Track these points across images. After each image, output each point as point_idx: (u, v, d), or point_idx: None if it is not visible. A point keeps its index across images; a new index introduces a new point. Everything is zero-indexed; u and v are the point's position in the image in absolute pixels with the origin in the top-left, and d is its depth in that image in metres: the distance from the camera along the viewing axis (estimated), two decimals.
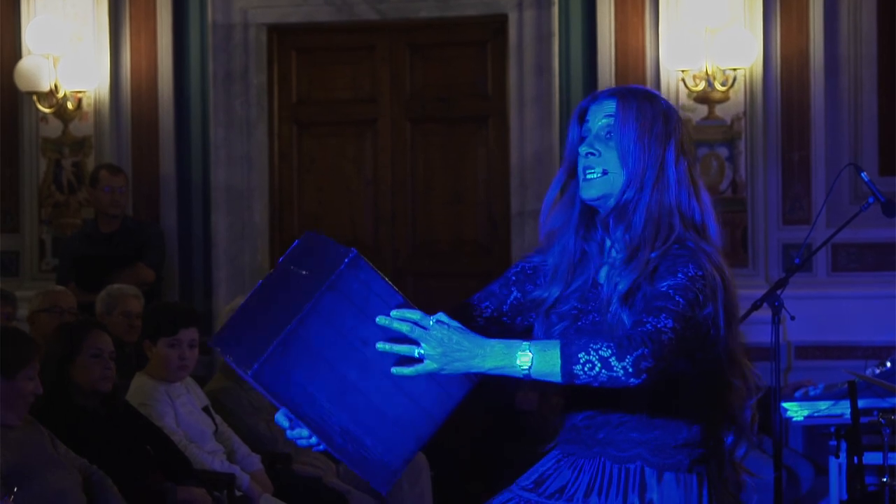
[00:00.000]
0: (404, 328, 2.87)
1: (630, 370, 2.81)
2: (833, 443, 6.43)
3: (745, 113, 7.69)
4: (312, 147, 8.49)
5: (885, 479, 5.90)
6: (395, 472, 2.93)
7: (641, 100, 3.07)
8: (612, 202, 3.06)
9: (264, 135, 8.37)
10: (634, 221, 3.03)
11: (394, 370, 2.88)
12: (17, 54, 8.28)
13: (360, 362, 2.86)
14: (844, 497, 6.32)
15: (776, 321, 5.77)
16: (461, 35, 8.30)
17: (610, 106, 3.09)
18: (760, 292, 6.15)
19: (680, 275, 2.95)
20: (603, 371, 2.81)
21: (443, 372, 2.87)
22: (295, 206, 8.49)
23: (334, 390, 2.85)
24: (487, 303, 3.23)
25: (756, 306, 5.95)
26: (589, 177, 3.08)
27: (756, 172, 7.70)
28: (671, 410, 3.05)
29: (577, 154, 3.12)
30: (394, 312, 2.89)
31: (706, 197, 3.10)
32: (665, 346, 2.84)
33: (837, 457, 6.38)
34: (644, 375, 2.82)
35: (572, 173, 3.15)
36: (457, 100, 8.29)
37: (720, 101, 7.69)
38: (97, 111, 8.29)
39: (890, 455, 5.89)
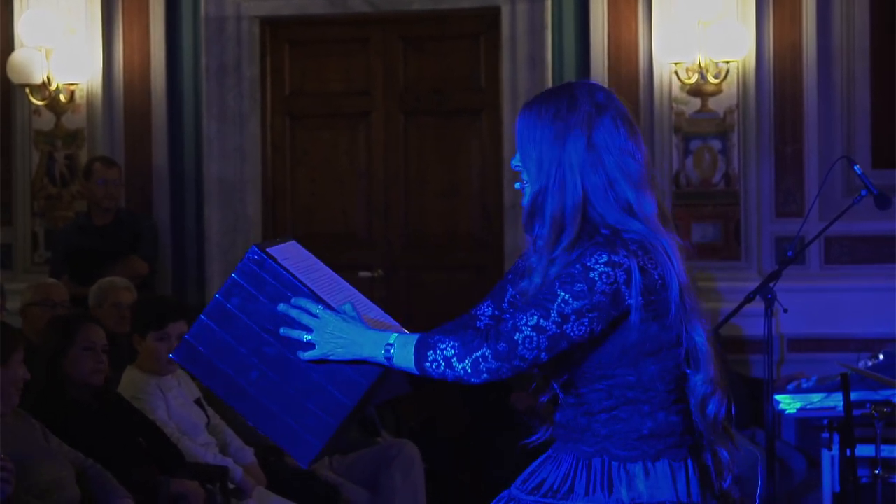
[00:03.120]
0: (293, 313, 3.09)
1: (469, 370, 2.98)
2: (826, 435, 6.44)
3: (737, 106, 7.69)
4: (305, 140, 8.48)
5: (877, 472, 5.92)
6: (316, 449, 3.13)
7: (542, 102, 3.13)
8: (527, 206, 3.13)
9: (257, 127, 8.36)
10: (542, 223, 3.08)
11: (302, 356, 3.10)
12: (9, 47, 8.27)
13: (273, 347, 3.12)
14: (837, 489, 6.34)
15: (769, 314, 5.78)
16: (454, 28, 8.30)
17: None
18: (753, 285, 6.16)
19: (577, 264, 2.99)
20: (447, 370, 2.99)
21: (330, 357, 3.07)
22: (288, 198, 8.48)
23: (249, 371, 3.13)
24: (489, 301, 3.36)
25: (749, 299, 5.95)
26: (520, 186, 3.17)
27: (749, 165, 7.71)
28: (633, 404, 3.07)
29: None
30: (293, 301, 3.10)
31: (636, 176, 3.06)
32: (518, 345, 2.95)
33: (830, 449, 6.40)
34: (485, 376, 2.97)
35: None
36: (450, 92, 8.29)
37: (713, 94, 7.69)
38: (90, 104, 8.28)
39: (882, 447, 5.91)
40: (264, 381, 3.11)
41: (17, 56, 8.16)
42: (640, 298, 2.99)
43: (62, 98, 8.22)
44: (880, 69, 7.72)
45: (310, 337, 3.08)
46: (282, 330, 3.09)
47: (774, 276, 5.87)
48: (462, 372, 2.98)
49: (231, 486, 5.83)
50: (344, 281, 3.36)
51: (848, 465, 5.95)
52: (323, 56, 8.44)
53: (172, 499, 5.40)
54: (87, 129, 8.31)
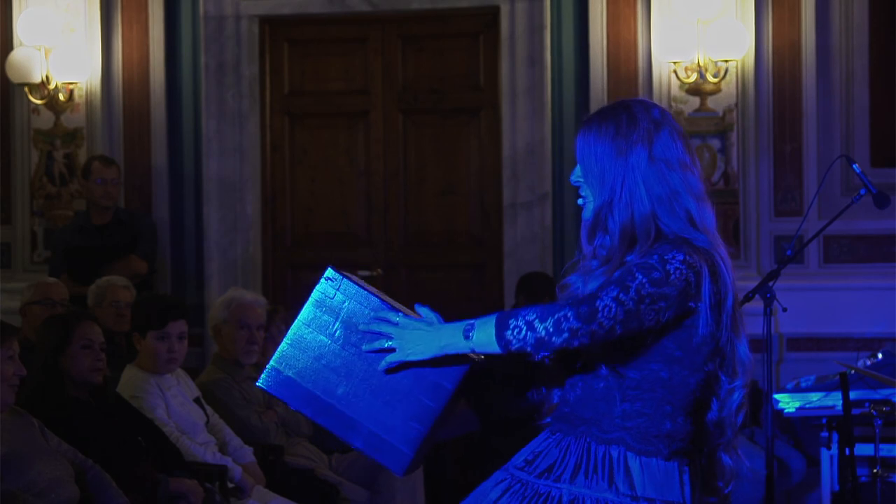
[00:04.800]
0: (373, 326, 3.17)
1: (551, 329, 3.00)
2: (825, 434, 6.44)
3: (737, 104, 7.69)
4: (305, 139, 8.48)
5: (876, 470, 5.92)
6: (408, 457, 3.21)
7: (602, 122, 3.20)
8: (590, 219, 3.22)
9: (256, 126, 8.36)
10: (609, 234, 3.17)
11: (383, 363, 3.17)
12: (8, 46, 8.27)
13: (356, 361, 3.20)
14: (836, 488, 6.34)
15: (768, 313, 5.77)
16: (453, 27, 8.30)
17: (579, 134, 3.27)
18: (752, 284, 6.14)
19: (655, 255, 3.08)
20: (529, 333, 3.01)
21: (409, 358, 3.13)
22: (287, 197, 8.48)
23: (335, 388, 3.21)
24: None
25: (748, 298, 5.94)
26: (582, 204, 3.26)
27: (748, 164, 7.71)
28: (657, 402, 3.12)
29: None
30: (375, 313, 3.19)
31: (696, 188, 3.18)
32: (597, 311, 3.00)
33: (829, 448, 6.40)
34: (566, 335, 2.99)
35: None
36: (449, 91, 8.29)
37: (712, 93, 7.70)
38: (89, 103, 8.28)
39: (881, 446, 5.91)
40: (350, 396, 3.20)
41: (16, 55, 8.15)
42: (710, 300, 3.09)
43: (61, 97, 8.21)
44: (879, 68, 7.72)
45: (391, 343, 3.15)
46: (364, 346, 3.18)
47: (773, 274, 5.86)
48: (544, 331, 3.00)
49: (230, 485, 5.83)
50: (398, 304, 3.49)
51: (847, 463, 5.95)
52: (322, 55, 8.44)
53: (171, 497, 5.39)
54: (86, 128, 8.31)
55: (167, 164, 8.31)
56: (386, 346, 3.14)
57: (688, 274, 3.06)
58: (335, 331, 3.21)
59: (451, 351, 3.11)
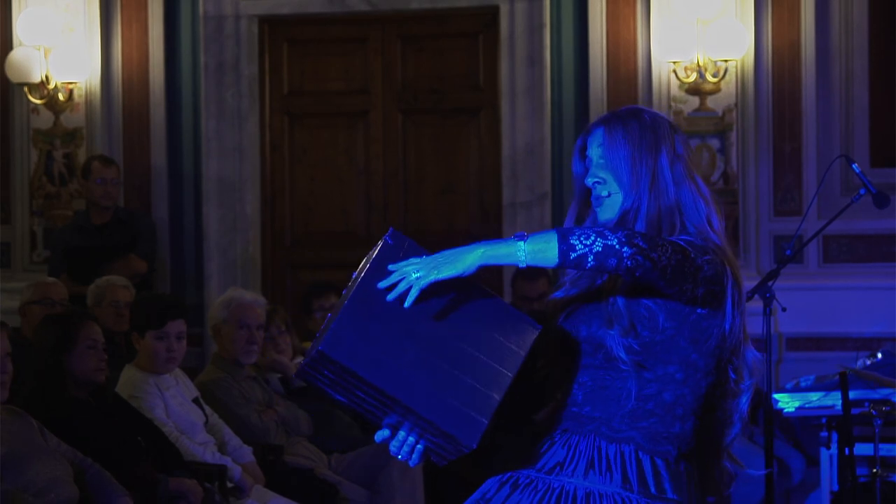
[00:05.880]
0: (397, 275, 3.00)
1: (623, 239, 2.92)
2: (824, 434, 6.44)
3: (736, 104, 7.69)
4: (304, 138, 8.49)
5: (876, 470, 5.92)
6: (482, 426, 3.01)
7: (626, 120, 3.21)
8: (616, 216, 3.19)
9: (256, 126, 8.36)
10: (637, 227, 3.15)
11: (414, 290, 2.98)
12: (8, 45, 8.27)
13: (424, 324, 3.00)
14: (835, 488, 6.34)
15: (767, 313, 5.77)
16: (453, 26, 8.30)
17: (599, 135, 3.23)
18: (752, 284, 6.15)
19: (690, 235, 3.12)
20: (598, 239, 2.92)
21: (441, 276, 2.97)
22: (287, 197, 8.48)
23: (403, 353, 2.98)
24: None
25: (747, 298, 5.94)
26: (600, 202, 3.23)
27: (747, 164, 7.71)
28: (668, 405, 3.13)
29: (584, 186, 3.26)
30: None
31: (706, 192, 3.23)
32: (658, 245, 2.97)
33: (829, 448, 6.40)
34: (635, 249, 2.92)
35: (584, 203, 3.30)
36: (448, 91, 8.29)
37: (712, 93, 7.70)
38: (88, 102, 8.28)
39: (881, 446, 5.91)
40: (420, 361, 2.98)
41: (16, 55, 8.15)
42: (732, 298, 3.12)
43: (61, 97, 8.21)
44: (879, 68, 7.72)
45: (417, 274, 2.98)
46: (389, 295, 2.98)
47: (773, 274, 5.87)
48: (616, 240, 2.92)
49: (229, 484, 5.83)
50: None
51: (846, 463, 5.95)
52: (322, 55, 8.45)
53: (171, 497, 5.40)
54: (86, 128, 8.31)
55: (166, 163, 8.31)
56: (413, 277, 2.97)
57: (718, 264, 3.08)
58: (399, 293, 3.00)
59: (492, 260, 2.97)
